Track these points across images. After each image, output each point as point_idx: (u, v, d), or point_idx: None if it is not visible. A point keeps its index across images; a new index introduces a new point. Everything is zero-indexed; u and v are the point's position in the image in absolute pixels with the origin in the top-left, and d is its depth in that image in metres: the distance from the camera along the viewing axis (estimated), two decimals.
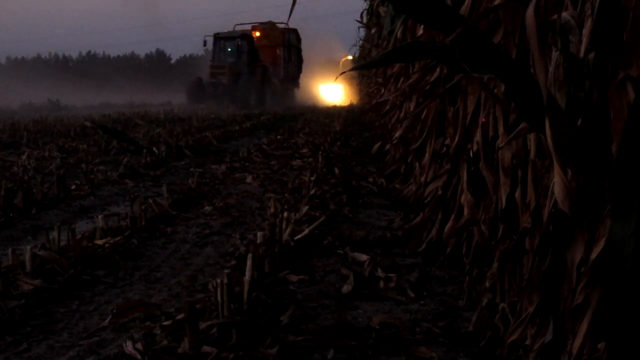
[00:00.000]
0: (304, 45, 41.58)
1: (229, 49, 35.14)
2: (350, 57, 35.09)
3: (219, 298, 2.69)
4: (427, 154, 4.52)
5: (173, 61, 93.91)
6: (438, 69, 3.90)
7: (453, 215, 3.54)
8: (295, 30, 39.70)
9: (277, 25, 37.88)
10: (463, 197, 3.25)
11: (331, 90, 42.08)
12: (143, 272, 3.72)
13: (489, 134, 2.86)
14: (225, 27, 37.42)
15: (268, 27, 37.77)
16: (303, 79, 42.36)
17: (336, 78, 6.51)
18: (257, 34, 36.78)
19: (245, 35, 35.74)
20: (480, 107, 3.02)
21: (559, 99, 1.79)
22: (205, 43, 35.86)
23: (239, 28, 36.76)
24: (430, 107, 4.33)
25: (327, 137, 11.66)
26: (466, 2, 3.07)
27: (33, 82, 50.83)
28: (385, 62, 3.96)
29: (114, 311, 2.92)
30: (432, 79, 4.06)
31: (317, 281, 3.48)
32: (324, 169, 7.35)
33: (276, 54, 38.13)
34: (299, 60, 41.32)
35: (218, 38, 35.26)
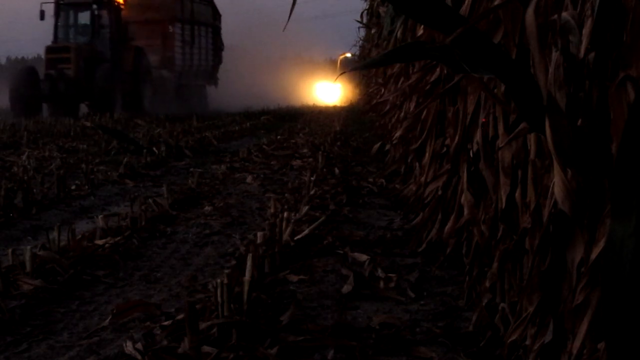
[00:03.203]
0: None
1: (81, 22, 22.20)
2: (349, 55, 33.85)
3: (219, 298, 2.69)
4: (427, 154, 4.51)
5: None
6: (438, 69, 3.90)
7: (453, 215, 3.54)
8: (209, 2, 26.77)
9: None
10: (463, 197, 3.25)
11: (328, 90, 37.52)
12: (143, 272, 3.72)
13: (489, 134, 2.86)
14: None
15: None
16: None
17: (336, 78, 6.50)
18: None
19: (106, 2, 21.74)
20: (480, 107, 3.02)
21: (559, 99, 1.79)
22: (42, 15, 21.96)
23: None
24: (430, 107, 4.33)
25: (327, 137, 11.65)
26: (466, 2, 3.06)
27: None
28: (385, 62, 3.96)
29: (114, 311, 2.92)
30: (432, 79, 4.05)
31: (317, 281, 3.48)
32: (324, 169, 7.35)
33: (167, 32, 24.70)
34: (216, 47, 27.94)
35: (63, 4, 21.86)
